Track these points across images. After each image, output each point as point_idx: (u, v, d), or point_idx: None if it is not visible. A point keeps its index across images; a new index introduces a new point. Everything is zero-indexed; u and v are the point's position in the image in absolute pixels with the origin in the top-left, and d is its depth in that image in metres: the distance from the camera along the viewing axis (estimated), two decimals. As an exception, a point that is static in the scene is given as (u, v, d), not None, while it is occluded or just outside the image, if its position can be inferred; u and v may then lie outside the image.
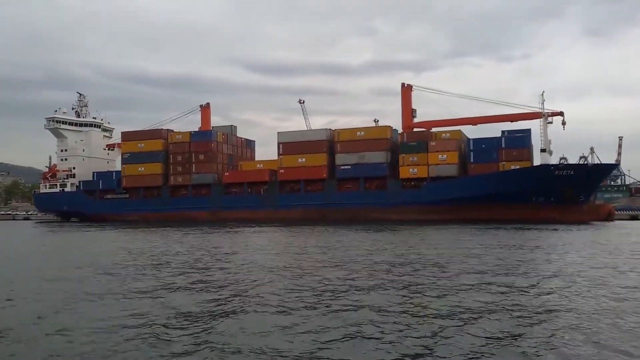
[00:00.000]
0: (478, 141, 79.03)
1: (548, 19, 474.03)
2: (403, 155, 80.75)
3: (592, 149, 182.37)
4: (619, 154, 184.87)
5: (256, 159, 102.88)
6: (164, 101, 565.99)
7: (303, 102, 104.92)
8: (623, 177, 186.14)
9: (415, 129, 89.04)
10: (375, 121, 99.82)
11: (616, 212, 79.54)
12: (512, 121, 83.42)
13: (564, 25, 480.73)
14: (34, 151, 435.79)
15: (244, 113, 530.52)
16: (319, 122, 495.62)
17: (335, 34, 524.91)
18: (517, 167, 73.93)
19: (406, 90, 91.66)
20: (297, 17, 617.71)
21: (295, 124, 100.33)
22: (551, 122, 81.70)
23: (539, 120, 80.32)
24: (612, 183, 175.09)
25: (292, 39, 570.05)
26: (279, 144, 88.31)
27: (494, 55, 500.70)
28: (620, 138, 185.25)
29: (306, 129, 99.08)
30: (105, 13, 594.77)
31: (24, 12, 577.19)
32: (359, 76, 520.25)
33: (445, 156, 78.21)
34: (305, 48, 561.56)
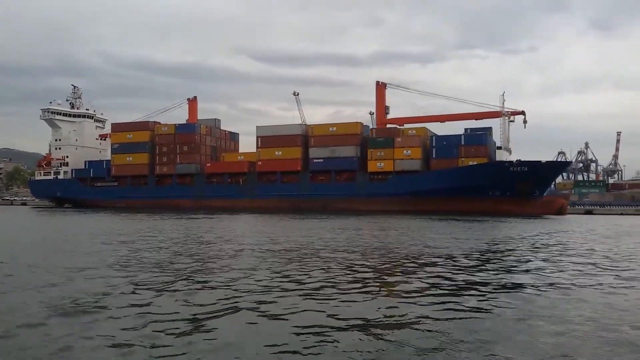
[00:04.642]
0: (440, 138, 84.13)
1: (554, 11, 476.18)
2: (371, 150, 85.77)
3: (586, 143, 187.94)
4: (617, 149, 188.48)
5: (241, 151, 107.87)
6: (174, 89, 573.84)
7: (297, 95, 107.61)
8: (620, 172, 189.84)
9: (388, 125, 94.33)
10: (371, 113, 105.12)
11: (570, 207, 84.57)
12: (476, 119, 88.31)
13: (571, 18, 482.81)
14: (39, 138, 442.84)
15: (251, 102, 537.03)
16: (326, 112, 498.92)
17: (344, 24, 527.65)
18: (475, 163, 78.88)
19: (380, 88, 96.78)
20: (307, 8, 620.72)
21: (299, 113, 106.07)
22: (513, 121, 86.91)
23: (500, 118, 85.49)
24: (609, 179, 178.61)
25: (301, 30, 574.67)
26: (257, 137, 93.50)
27: (500, 48, 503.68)
28: (619, 133, 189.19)
29: (300, 121, 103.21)
30: (118, 2, 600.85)
31: (41, 3, 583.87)
32: (366, 67, 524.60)
33: (409, 152, 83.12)
34: (314, 39, 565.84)
